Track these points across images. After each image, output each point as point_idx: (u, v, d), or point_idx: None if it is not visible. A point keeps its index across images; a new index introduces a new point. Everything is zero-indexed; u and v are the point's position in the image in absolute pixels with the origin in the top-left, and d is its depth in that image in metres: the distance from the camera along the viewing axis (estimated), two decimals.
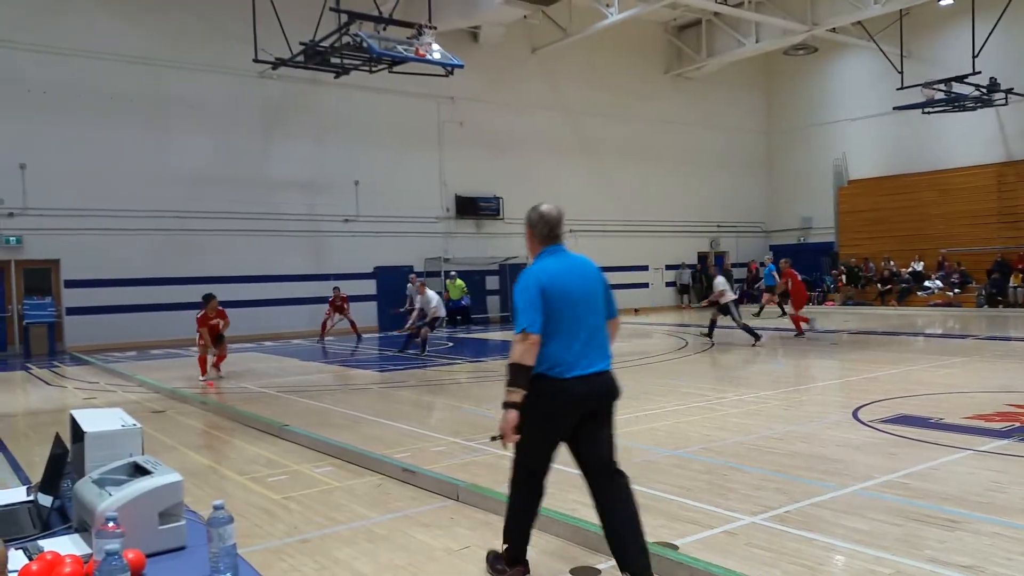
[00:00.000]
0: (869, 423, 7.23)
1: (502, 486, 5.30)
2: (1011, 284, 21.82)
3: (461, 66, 15.96)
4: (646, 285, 27.16)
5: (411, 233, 21.75)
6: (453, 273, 21.73)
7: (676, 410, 8.48)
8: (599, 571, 3.90)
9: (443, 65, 15.83)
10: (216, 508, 1.94)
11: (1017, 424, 6.94)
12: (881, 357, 12.48)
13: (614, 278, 21.01)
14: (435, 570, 4.03)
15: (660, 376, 11.35)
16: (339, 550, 4.36)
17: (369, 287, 21.37)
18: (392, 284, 21.21)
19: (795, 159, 29.71)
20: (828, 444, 6.53)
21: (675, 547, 4.12)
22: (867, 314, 22.26)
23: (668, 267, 27.67)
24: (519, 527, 3.68)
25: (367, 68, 16.21)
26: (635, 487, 5.24)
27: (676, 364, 12.62)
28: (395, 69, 16.24)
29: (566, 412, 3.50)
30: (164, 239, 18.93)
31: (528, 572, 3.73)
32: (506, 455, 6.29)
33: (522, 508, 3.68)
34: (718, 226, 29.40)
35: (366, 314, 20.90)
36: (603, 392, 3.55)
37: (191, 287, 19.03)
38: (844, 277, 25.96)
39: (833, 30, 23.77)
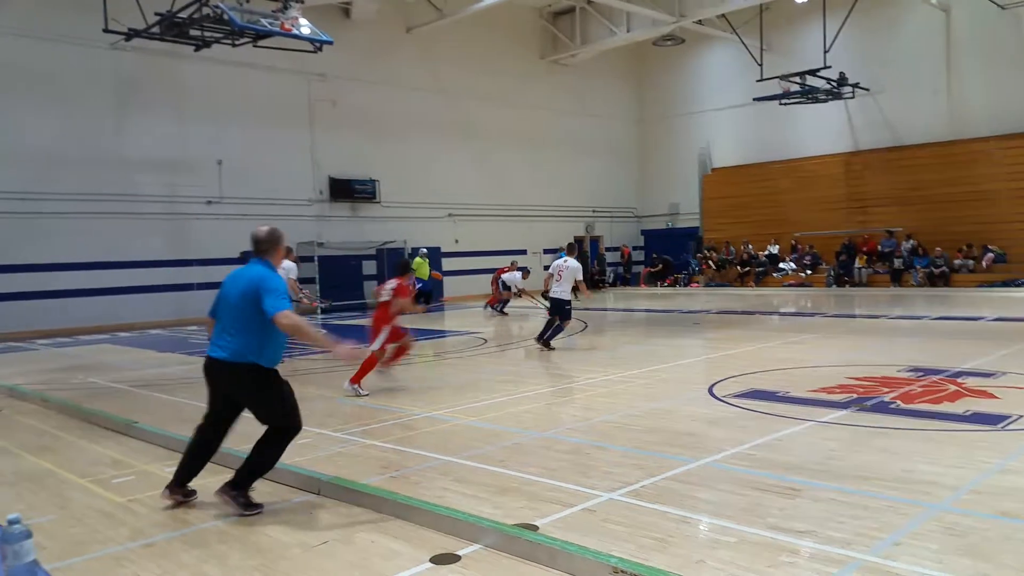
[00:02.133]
0: (723, 398, 7.60)
1: (368, 478, 5.22)
2: (857, 265, 23.59)
3: (330, 42, 15.47)
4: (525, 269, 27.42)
5: (281, 216, 20.95)
6: (424, 251, 21.24)
7: (547, 392, 8.62)
8: (459, 557, 3.89)
9: (311, 41, 15.29)
10: (10, 523, 1.75)
11: (855, 395, 7.49)
12: (738, 335, 13.18)
13: (492, 262, 20.93)
14: (287, 568, 3.90)
15: (533, 359, 11.50)
16: (186, 553, 4.14)
17: None
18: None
19: (664, 147, 30.81)
20: (685, 420, 6.82)
21: (535, 528, 4.17)
22: (727, 295, 23.46)
23: (546, 251, 28.08)
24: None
25: (230, 42, 15.42)
26: (503, 471, 5.35)
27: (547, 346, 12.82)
28: (260, 43, 15.53)
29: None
30: (7, 223, 17.33)
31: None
32: (374, 445, 6.17)
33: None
34: (593, 211, 30.10)
35: None
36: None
37: (38, 275, 17.60)
38: (712, 261, 27.23)
39: (699, 22, 24.72)
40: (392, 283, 8.83)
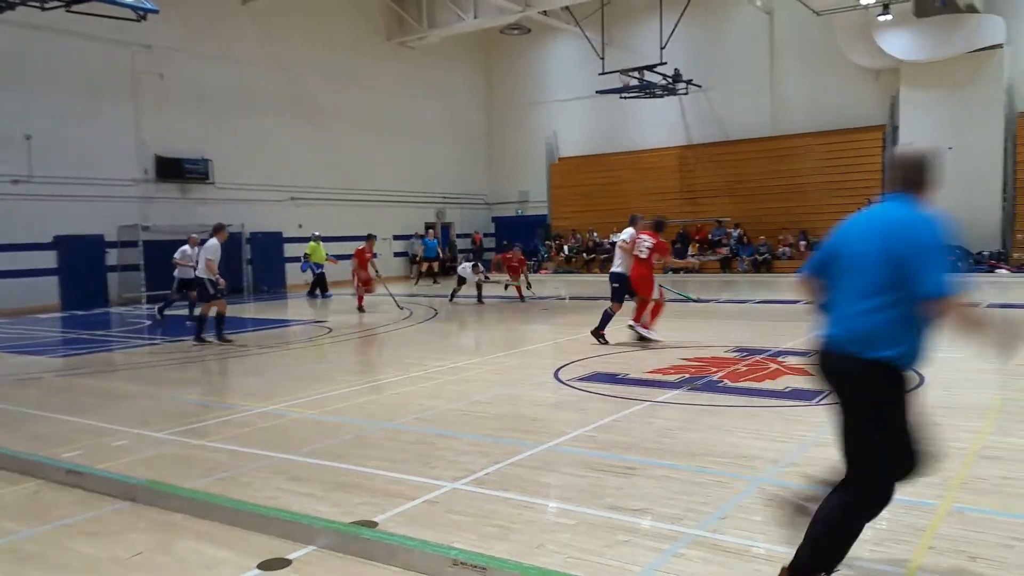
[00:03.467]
0: (568, 382, 7.74)
1: (191, 481, 4.82)
2: (690, 253, 24.97)
3: (155, 11, 14.30)
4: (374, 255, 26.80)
5: (101, 197, 19.20)
6: (316, 233, 20.01)
7: (393, 381, 8.42)
8: (289, 561, 3.65)
9: (133, 8, 14.06)
10: None
11: (687, 375, 7.85)
12: (584, 320, 13.48)
13: (336, 248, 20.25)
14: None
15: (384, 347, 11.24)
16: None
17: (48, 260, 18.52)
18: (78, 256, 18.59)
19: (513, 135, 31.15)
20: (531, 405, 6.87)
21: (373, 524, 4.01)
22: (575, 281, 24.13)
23: (396, 237, 27.62)
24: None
25: (37, 4, 13.87)
26: (343, 465, 5.13)
27: (401, 334, 12.60)
28: (74, 8, 14.10)
29: None
30: None
31: None
32: (202, 445, 5.71)
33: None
34: (444, 197, 29.95)
35: (46, 292, 18.20)
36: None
37: None
38: (565, 248, 27.88)
39: (545, 13, 25.11)
40: None
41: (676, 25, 22.89)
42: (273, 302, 19.76)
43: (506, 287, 17.40)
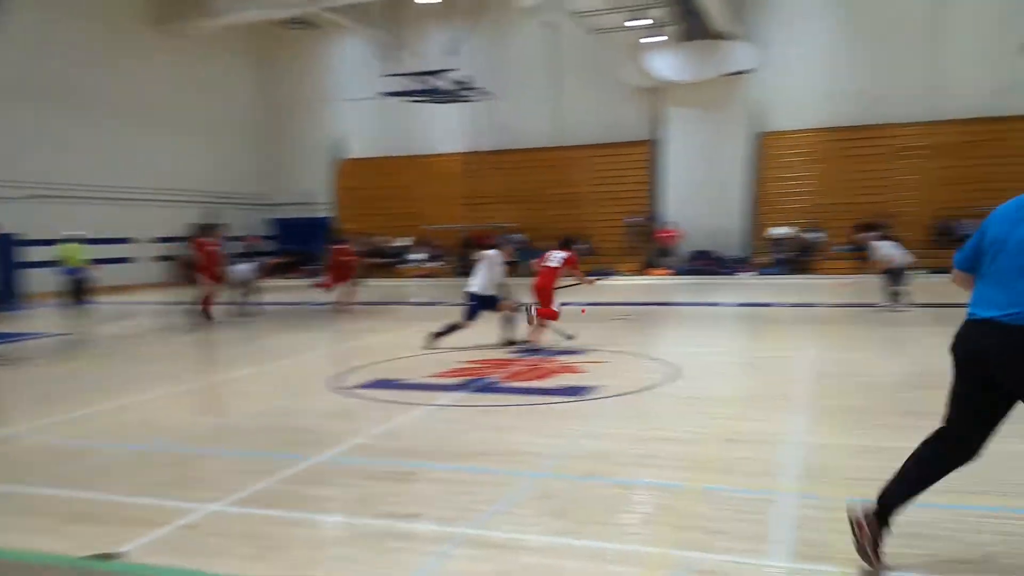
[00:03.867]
0: (347, 390, 7.53)
1: None
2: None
3: None
4: (129, 260, 24.36)
5: None
6: (74, 234, 16.93)
7: (154, 397, 7.70)
8: None
9: None
10: None
11: (468, 378, 7.96)
12: (368, 326, 13.32)
13: (100, 251, 17.82)
14: None
15: (146, 360, 10.27)
16: None
17: None
18: None
19: (297, 134, 30.02)
20: (305, 415, 6.60)
21: (115, 556, 3.60)
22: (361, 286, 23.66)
23: (161, 239, 25.44)
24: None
25: None
26: (85, 494, 4.57)
27: (160, 346, 11.59)
28: None
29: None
30: None
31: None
32: None
33: None
34: (217, 197, 28.11)
35: None
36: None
37: None
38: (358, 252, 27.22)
39: (331, 9, 24.46)
40: None
41: (464, 33, 23.32)
42: (9, 314, 17.41)
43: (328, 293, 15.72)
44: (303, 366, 9.46)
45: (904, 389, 7.07)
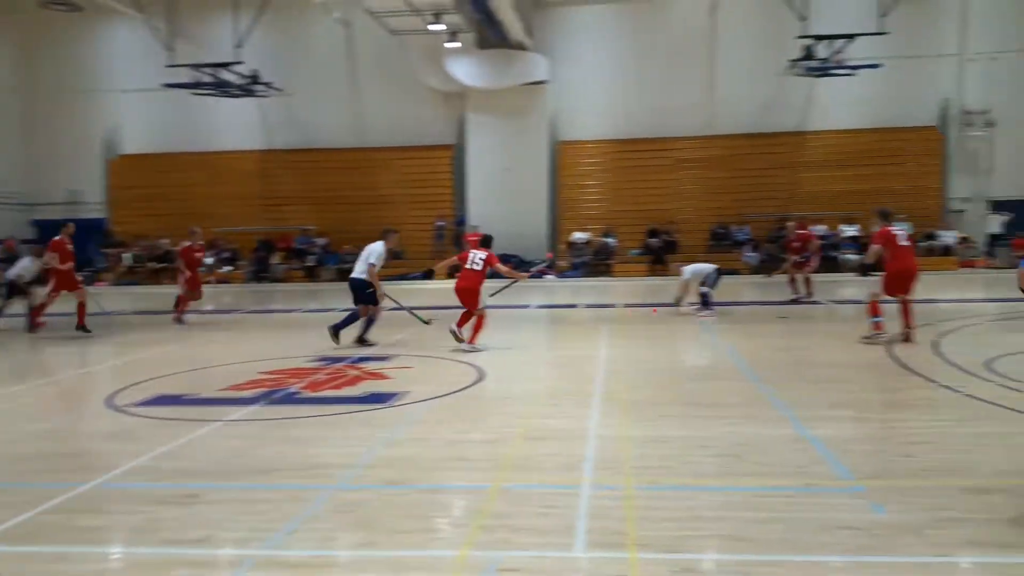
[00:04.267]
0: (124, 408, 6.83)
1: None
2: (274, 262, 24.39)
3: None
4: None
5: None
6: None
7: None
8: None
9: None
10: None
11: (265, 389, 7.53)
12: (150, 338, 12.23)
13: None
14: None
15: None
16: None
17: None
18: None
19: (61, 126, 26.89)
20: (76, 438, 5.93)
21: None
22: (141, 294, 21.80)
23: None
24: None
25: None
26: None
27: None
28: None
29: None
30: None
31: None
32: None
33: None
34: None
35: None
36: None
37: None
38: (127, 256, 24.81)
39: None
40: None
41: (252, 24, 22.15)
42: None
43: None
44: (76, 383, 8.49)
45: (689, 381, 7.64)
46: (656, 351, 9.53)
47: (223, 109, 25.21)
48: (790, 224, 15.68)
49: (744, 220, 23.97)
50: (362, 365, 8.77)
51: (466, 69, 23.58)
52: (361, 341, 10.22)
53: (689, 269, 13.12)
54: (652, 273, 22.60)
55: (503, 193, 24.45)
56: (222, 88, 22.39)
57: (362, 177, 25.35)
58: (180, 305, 13.61)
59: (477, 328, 9.72)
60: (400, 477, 4.74)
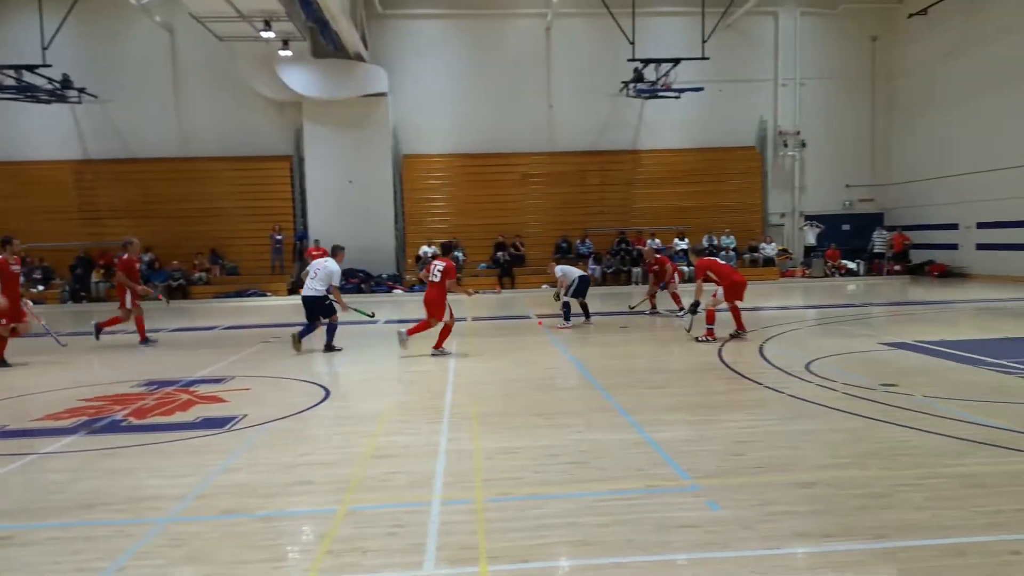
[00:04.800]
0: None
1: None
2: (93, 279, 22.46)
3: None
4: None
5: None
6: None
7: None
8: None
9: None
10: None
11: (85, 418, 6.88)
12: None
13: None
14: None
15: None
16: None
17: None
18: None
19: None
20: None
21: None
22: None
23: None
24: None
25: None
26: None
27: None
28: None
29: None
30: None
31: None
32: None
33: None
34: None
35: None
36: None
37: None
38: None
39: None
40: None
41: (60, 26, 20.34)
42: None
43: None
44: None
45: (537, 392, 7.76)
46: (505, 363, 9.63)
47: (33, 116, 23.00)
48: (647, 249, 16.78)
49: (587, 234, 24.87)
50: (194, 389, 8.22)
51: (301, 78, 22.85)
52: (329, 348, 10.85)
53: (559, 269, 13.48)
54: (501, 286, 22.91)
55: (346, 206, 23.94)
56: (28, 93, 20.41)
57: (190, 189, 23.89)
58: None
59: (424, 328, 10.37)
60: (238, 506, 4.46)
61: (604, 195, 25.53)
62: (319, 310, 10.91)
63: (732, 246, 24.49)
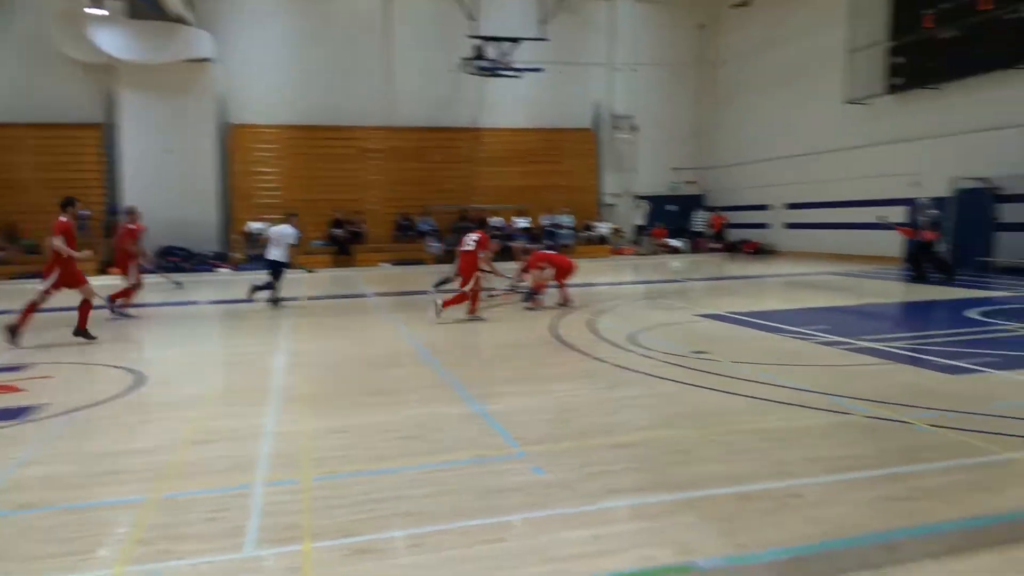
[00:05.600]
0: None
1: None
2: None
3: None
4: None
5: None
6: None
7: None
8: None
9: None
10: None
11: None
12: None
13: None
14: None
15: None
16: None
17: None
18: None
19: None
20: None
21: None
22: None
23: None
24: None
25: None
26: None
27: None
28: None
29: None
30: None
31: None
32: None
33: None
34: None
35: None
36: None
37: None
38: None
39: None
40: None
41: None
42: None
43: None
44: None
45: (372, 370, 7.68)
46: (339, 343, 9.45)
47: None
48: (515, 246, 17.08)
49: (427, 211, 24.80)
50: None
51: (115, 40, 21.01)
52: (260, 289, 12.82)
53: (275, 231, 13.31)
54: (338, 264, 22.40)
55: (165, 178, 22.35)
56: None
57: None
58: None
59: (461, 300, 10.72)
60: (38, 500, 4.11)
61: (445, 172, 25.55)
62: (280, 271, 12.71)
63: (571, 224, 25.35)
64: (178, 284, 16.24)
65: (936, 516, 3.58)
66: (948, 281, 14.53)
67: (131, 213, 13.31)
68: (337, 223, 23.44)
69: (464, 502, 3.92)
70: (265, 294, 12.99)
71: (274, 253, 12.75)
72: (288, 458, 4.76)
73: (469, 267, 10.79)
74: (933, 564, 3.19)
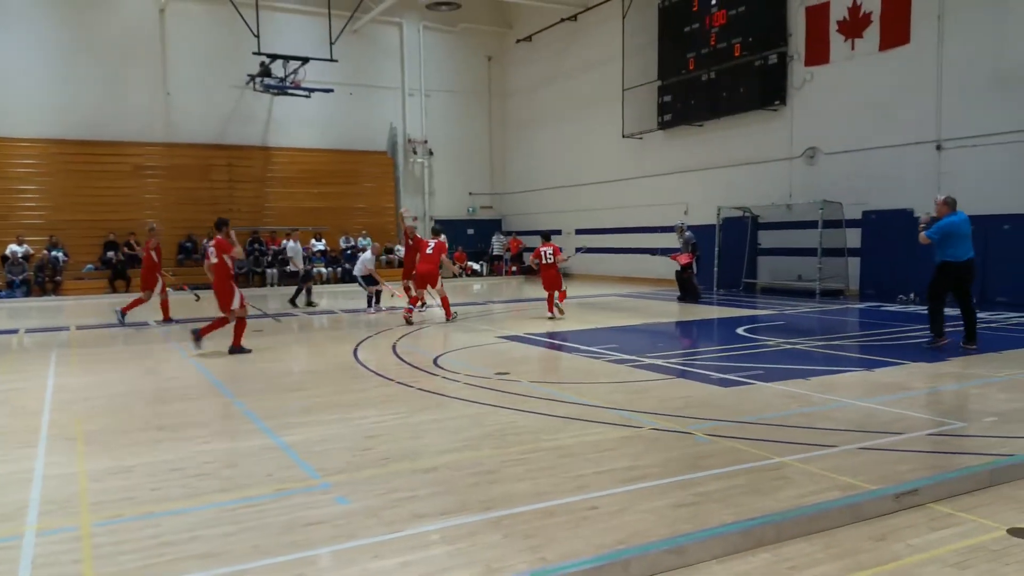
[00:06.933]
0: None
1: None
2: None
3: None
4: None
5: None
6: None
7: None
8: None
9: None
10: None
11: None
12: None
13: None
14: None
15: None
16: None
17: None
18: None
19: None
20: None
21: None
22: None
23: None
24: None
25: None
26: None
27: None
28: None
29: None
30: None
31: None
32: None
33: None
34: None
35: None
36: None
37: None
38: None
39: None
40: None
41: None
42: None
43: None
44: None
45: (157, 404, 7.13)
46: (118, 376, 8.66)
47: None
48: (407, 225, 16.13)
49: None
50: None
51: None
52: None
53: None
54: (113, 290, 20.52)
55: None
56: None
57: None
58: None
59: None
60: None
61: (233, 192, 24.35)
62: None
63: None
64: None
65: (718, 519, 3.96)
66: (694, 301, 16.22)
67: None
68: (110, 245, 21.48)
69: (266, 539, 3.76)
70: None
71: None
72: (63, 503, 4.30)
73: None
74: (718, 566, 3.50)
